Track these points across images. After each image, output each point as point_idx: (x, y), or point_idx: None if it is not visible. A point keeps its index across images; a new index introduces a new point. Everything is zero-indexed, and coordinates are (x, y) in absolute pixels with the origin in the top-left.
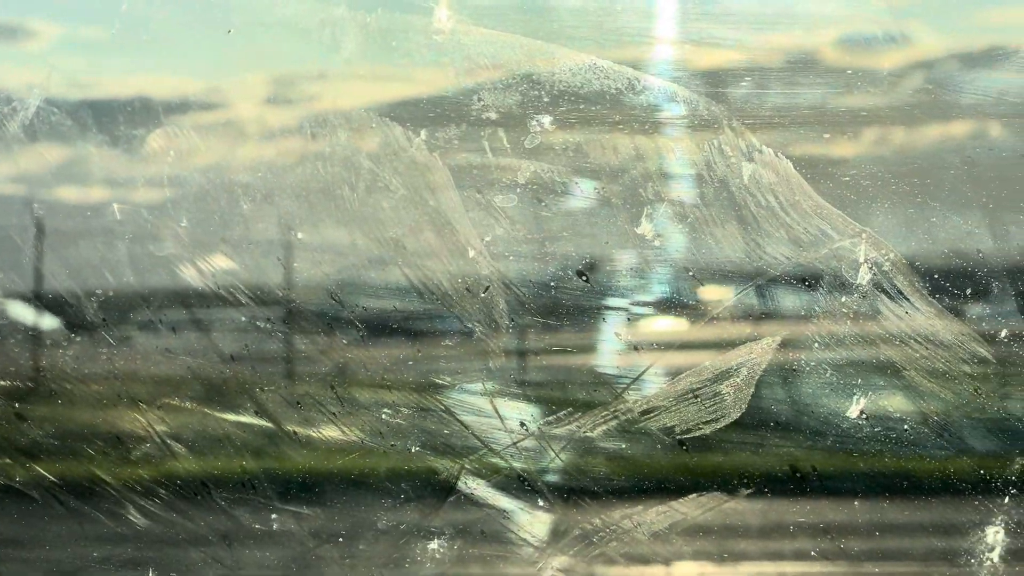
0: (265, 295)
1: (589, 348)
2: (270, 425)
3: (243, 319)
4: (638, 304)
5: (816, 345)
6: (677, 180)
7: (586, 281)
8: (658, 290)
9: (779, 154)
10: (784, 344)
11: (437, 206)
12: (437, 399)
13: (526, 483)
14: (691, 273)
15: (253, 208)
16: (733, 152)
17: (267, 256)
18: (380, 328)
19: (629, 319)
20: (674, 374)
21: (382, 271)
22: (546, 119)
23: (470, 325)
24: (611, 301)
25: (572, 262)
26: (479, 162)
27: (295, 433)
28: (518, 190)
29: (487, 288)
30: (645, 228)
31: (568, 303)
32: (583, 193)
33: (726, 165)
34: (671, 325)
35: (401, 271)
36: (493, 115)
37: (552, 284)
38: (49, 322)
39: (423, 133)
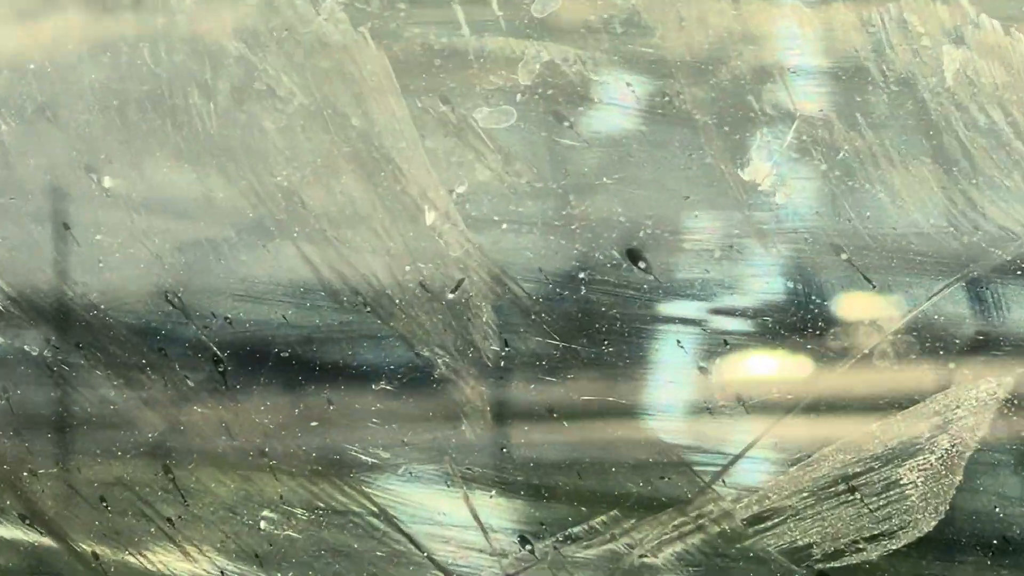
0: (36, 298)
1: (647, 398)
2: (49, 542)
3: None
4: (738, 315)
5: None
6: (815, 81)
7: (644, 270)
8: (775, 289)
9: (1013, 30)
10: (1019, 394)
11: (366, 128)
12: (363, 493)
13: None
14: (845, 256)
15: (14, 133)
16: (927, 29)
17: (40, 227)
18: (257, 359)
19: (723, 344)
20: (807, 449)
21: (262, 251)
22: None
23: (427, 352)
24: (688, 308)
25: (618, 234)
26: (446, 46)
27: (95, 558)
28: (518, 99)
29: (459, 284)
30: (756, 170)
31: (609, 311)
32: (638, 103)
33: (912, 52)
34: (800, 357)
35: (298, 250)
36: None
37: (581, 275)
38: None
39: None
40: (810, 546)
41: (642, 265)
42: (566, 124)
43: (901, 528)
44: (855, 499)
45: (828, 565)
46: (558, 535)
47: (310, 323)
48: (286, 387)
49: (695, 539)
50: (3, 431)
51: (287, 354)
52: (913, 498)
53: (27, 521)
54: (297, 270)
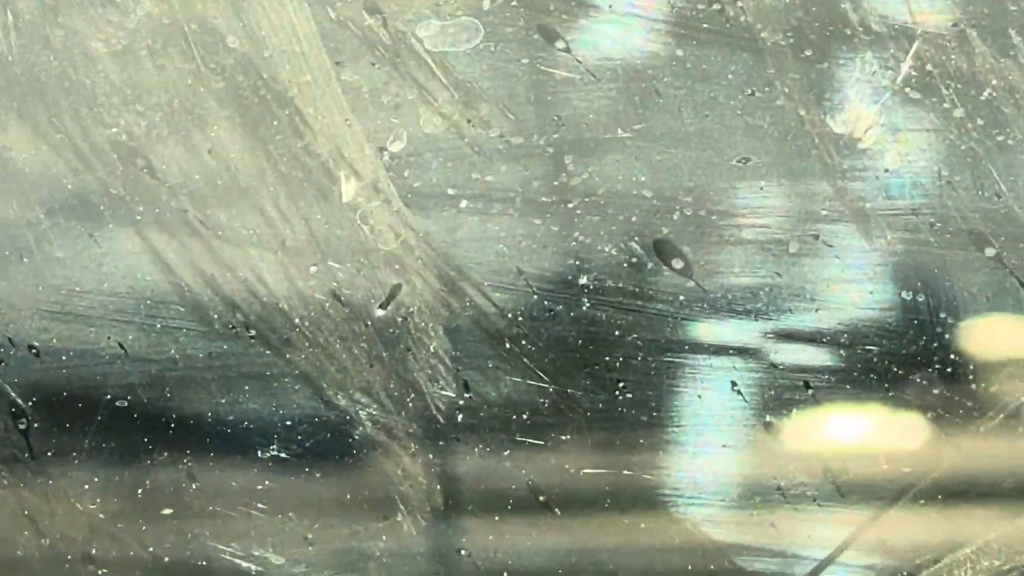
0: None
1: (683, 473)
2: None
3: None
4: (824, 344)
5: None
6: None
7: (680, 272)
8: (882, 303)
9: None
10: None
11: (250, 52)
12: None
13: None
14: (991, 252)
15: None
16: None
17: None
18: (79, 411)
19: (803, 388)
20: (930, 552)
21: (87, 243)
22: None
23: (343, 401)
24: (748, 332)
25: (640, 217)
26: None
27: None
28: (486, 5)
29: (393, 294)
30: (855, 117)
31: (626, 336)
32: (671, 12)
33: None
34: (921, 411)
35: (143, 242)
36: None
37: (583, 280)
38: None
39: None
40: None
41: (677, 265)
42: (559, 46)
43: None
44: None
45: None
46: None
47: (161, 355)
48: (124, 455)
49: None
50: None
51: (125, 403)
52: None
53: None
54: (141, 273)
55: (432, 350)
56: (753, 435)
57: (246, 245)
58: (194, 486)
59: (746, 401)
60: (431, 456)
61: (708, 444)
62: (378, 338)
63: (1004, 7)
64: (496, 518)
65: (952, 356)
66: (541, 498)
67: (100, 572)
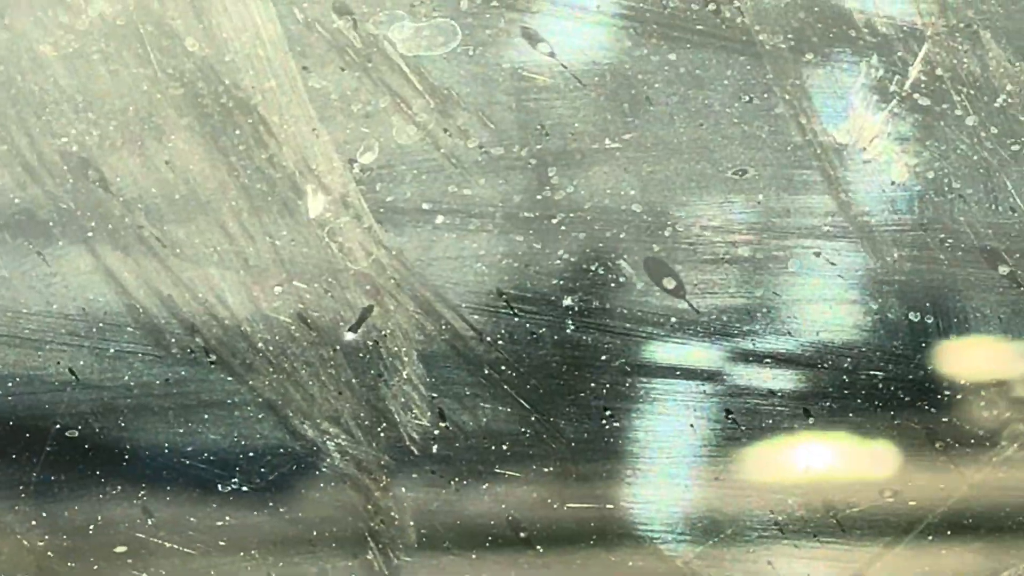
0: None
1: (675, 508)
2: None
3: None
4: (826, 369)
5: None
6: None
7: (672, 292)
8: (889, 325)
9: None
10: None
11: (211, 56)
12: None
13: None
14: (1005, 270)
15: None
16: None
17: None
18: (27, 441)
19: (802, 416)
20: None
21: (35, 261)
22: None
23: (310, 431)
24: (743, 357)
25: (629, 234)
26: None
27: None
28: (463, 5)
29: (363, 316)
30: (859, 126)
31: (613, 361)
32: (663, 13)
33: None
34: (929, 441)
35: (95, 260)
36: None
37: (567, 301)
38: None
39: None
40: None
41: (668, 285)
42: (542, 49)
43: None
44: None
45: None
46: None
47: (115, 382)
48: (74, 488)
49: None
50: None
51: (76, 433)
52: None
53: None
54: (94, 294)
55: (405, 376)
56: (749, 467)
57: (206, 264)
58: (150, 522)
59: (742, 430)
60: (404, 490)
61: (701, 477)
62: (347, 364)
63: (1020, 6)
64: (474, 555)
65: (962, 382)
66: (522, 534)
67: None
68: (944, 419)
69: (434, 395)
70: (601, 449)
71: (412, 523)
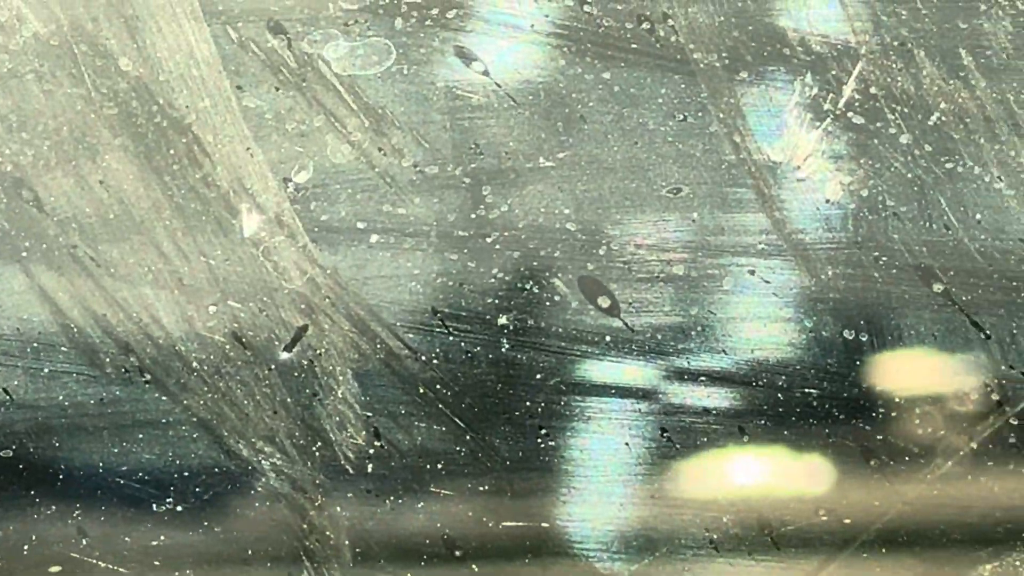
0: None
1: (610, 526)
2: None
3: None
4: (760, 387)
5: None
6: None
7: (607, 311)
8: (823, 342)
9: None
10: None
11: (145, 75)
12: None
13: None
14: (939, 288)
15: None
16: None
17: None
18: None
19: (737, 433)
20: None
21: None
22: None
23: (244, 450)
24: (678, 375)
25: (564, 252)
26: None
27: None
28: (398, 24)
29: (298, 335)
30: (792, 144)
31: (548, 380)
32: (598, 32)
33: None
34: (864, 458)
35: (28, 279)
36: None
37: (502, 320)
38: None
39: None
40: None
41: (603, 303)
42: (476, 68)
43: None
44: None
45: None
46: None
47: (49, 401)
48: (8, 508)
49: None
50: None
51: (10, 453)
52: None
53: None
54: (28, 313)
55: (340, 395)
56: (684, 485)
57: (140, 283)
58: (84, 542)
59: (677, 448)
60: (339, 508)
61: (636, 495)
62: (282, 383)
63: (954, 25)
64: (409, 574)
65: (897, 400)
66: (457, 552)
67: None
68: (879, 436)
69: (369, 414)
70: (536, 467)
71: (347, 542)
